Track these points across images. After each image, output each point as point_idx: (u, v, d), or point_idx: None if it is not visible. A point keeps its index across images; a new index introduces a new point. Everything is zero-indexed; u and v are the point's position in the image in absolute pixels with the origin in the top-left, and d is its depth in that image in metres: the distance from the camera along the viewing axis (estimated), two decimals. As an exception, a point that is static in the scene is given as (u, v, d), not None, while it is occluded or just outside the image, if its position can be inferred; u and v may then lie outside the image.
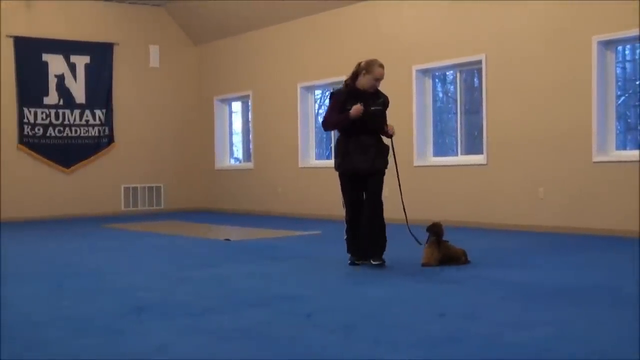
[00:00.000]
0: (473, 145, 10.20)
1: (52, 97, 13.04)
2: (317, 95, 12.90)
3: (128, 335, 3.75)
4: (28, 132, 12.82)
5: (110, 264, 6.82)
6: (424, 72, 10.43)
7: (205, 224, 11.38)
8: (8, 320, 4.16)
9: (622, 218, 8.02)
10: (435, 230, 6.02)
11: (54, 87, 13.06)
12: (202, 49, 14.72)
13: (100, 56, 13.52)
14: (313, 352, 3.39)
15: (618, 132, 8.74)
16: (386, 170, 6.06)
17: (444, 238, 6.03)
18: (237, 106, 14.66)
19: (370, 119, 5.92)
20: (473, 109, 10.28)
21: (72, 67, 13.23)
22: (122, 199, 13.85)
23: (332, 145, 6.71)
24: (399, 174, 6.19)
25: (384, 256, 5.95)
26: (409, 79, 10.40)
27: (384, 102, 6.06)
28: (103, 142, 13.58)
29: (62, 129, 13.12)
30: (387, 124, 6.03)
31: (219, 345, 3.56)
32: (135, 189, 13.99)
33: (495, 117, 9.39)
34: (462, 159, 10.11)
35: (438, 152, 10.67)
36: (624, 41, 8.40)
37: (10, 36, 12.66)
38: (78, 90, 13.29)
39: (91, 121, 13.42)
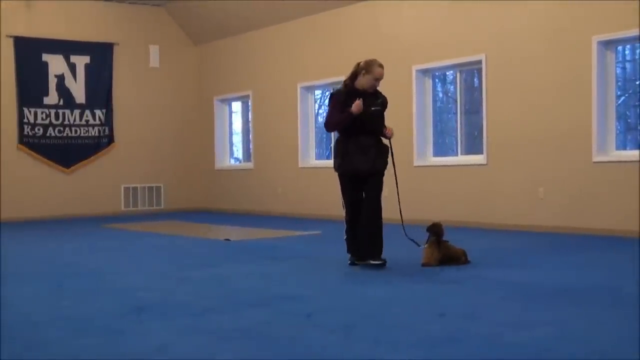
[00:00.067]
0: (473, 145, 10.20)
1: (52, 97, 13.04)
2: (317, 95, 12.90)
3: (128, 335, 3.75)
4: (28, 132, 12.82)
5: (110, 264, 6.82)
6: (424, 72, 10.43)
7: (205, 224, 11.38)
8: (8, 320, 4.16)
9: (622, 218, 8.02)
10: (435, 230, 6.02)
11: (54, 87, 13.06)
12: (202, 49, 14.72)
13: (100, 56, 13.52)
14: (313, 352, 3.39)
15: (618, 132, 8.74)
16: (385, 171, 6.06)
17: (444, 238, 6.03)
18: (237, 106, 14.66)
19: (369, 119, 5.91)
20: (473, 109, 10.28)
21: (72, 67, 13.24)
22: (122, 199, 13.85)
23: (332, 145, 6.69)
24: (397, 175, 6.19)
25: (382, 256, 5.93)
26: (409, 79, 10.40)
27: (383, 103, 6.05)
28: (103, 142, 13.58)
29: (62, 129, 13.12)
30: (385, 126, 6.02)
31: (219, 345, 3.56)
32: (135, 189, 14.00)
33: (495, 117, 9.39)
34: (462, 159, 10.11)
35: (438, 152, 10.67)
36: (624, 41, 8.40)
37: (10, 36, 12.67)
38: (78, 90, 13.30)
39: (91, 121, 13.42)
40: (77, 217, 13.06)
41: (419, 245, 6.07)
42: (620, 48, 8.79)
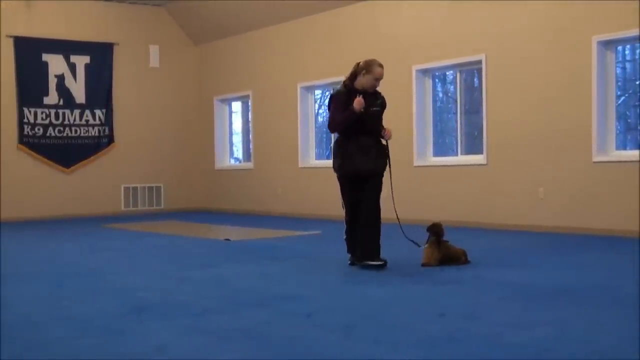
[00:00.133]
0: (473, 145, 10.20)
1: (52, 97, 13.05)
2: (317, 95, 12.90)
3: (128, 335, 3.75)
4: (28, 132, 12.82)
5: (110, 264, 6.82)
6: (424, 72, 10.44)
7: (205, 224, 11.38)
8: (8, 320, 4.16)
9: (622, 218, 8.02)
10: (435, 231, 6.02)
11: (54, 87, 13.07)
12: (202, 49, 14.72)
13: (100, 56, 13.52)
14: (313, 352, 3.39)
15: (618, 132, 8.74)
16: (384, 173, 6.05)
17: (444, 238, 6.03)
18: (237, 106, 14.66)
19: (369, 119, 5.91)
20: (473, 109, 10.28)
21: (72, 67, 13.24)
22: (122, 199, 13.85)
23: (332, 145, 6.69)
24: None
25: (381, 257, 5.92)
26: (409, 79, 10.40)
27: (382, 104, 6.05)
28: (103, 142, 13.58)
29: (62, 129, 13.12)
30: (384, 127, 6.01)
31: (219, 345, 3.56)
32: (135, 189, 14.00)
33: (495, 117, 9.39)
34: (462, 159, 10.11)
35: (438, 152, 10.67)
36: (624, 41, 8.40)
37: (10, 36, 12.67)
38: (78, 90, 13.30)
39: (91, 121, 13.42)
40: (77, 217, 13.06)
41: (419, 246, 6.07)
42: (620, 48, 8.79)
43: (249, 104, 13.81)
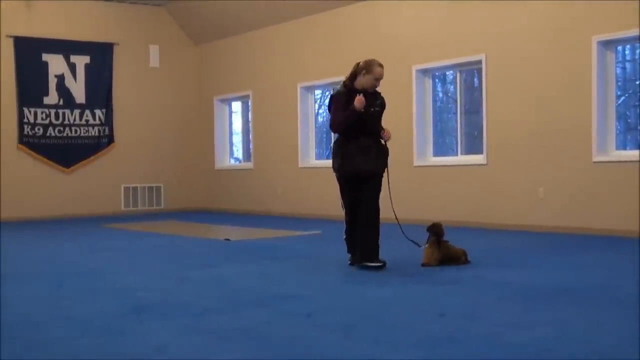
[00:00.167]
0: (473, 145, 10.20)
1: (52, 97, 13.05)
2: (317, 95, 12.90)
3: (128, 335, 3.75)
4: (28, 132, 12.83)
5: (110, 264, 6.82)
6: (424, 72, 10.44)
7: (205, 224, 11.38)
8: (8, 320, 4.16)
9: (622, 218, 8.02)
10: (435, 231, 6.02)
11: (54, 87, 13.07)
12: (202, 49, 14.72)
13: (100, 56, 13.53)
14: (313, 352, 3.39)
15: (618, 132, 8.74)
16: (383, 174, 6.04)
17: (444, 238, 6.03)
18: (237, 106, 14.66)
19: (369, 120, 5.91)
20: (473, 109, 10.28)
21: (72, 67, 13.24)
22: (122, 199, 13.85)
23: (332, 145, 6.68)
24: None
25: (380, 258, 5.91)
26: (409, 79, 10.40)
27: (382, 104, 6.04)
28: (103, 142, 13.58)
29: (62, 129, 13.12)
30: (383, 128, 6.00)
31: (219, 345, 3.56)
32: (135, 189, 14.00)
33: (495, 117, 9.39)
34: (462, 159, 10.11)
35: (438, 152, 10.67)
36: (624, 41, 8.40)
37: (10, 36, 12.67)
38: (78, 90, 13.30)
39: (91, 121, 13.42)
40: (77, 217, 13.06)
41: (419, 246, 6.07)
42: (620, 48, 8.79)
43: (249, 104, 13.81)
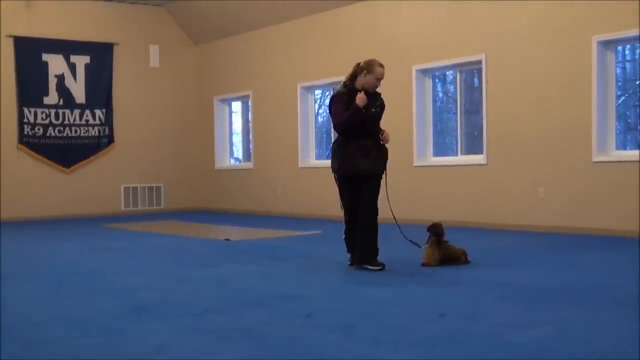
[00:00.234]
0: (473, 145, 10.20)
1: (52, 97, 13.05)
2: (317, 95, 12.90)
3: (128, 335, 3.75)
4: (28, 132, 12.83)
5: (110, 264, 6.82)
6: (424, 72, 10.43)
7: (205, 224, 11.38)
8: (8, 320, 4.17)
9: (622, 218, 8.02)
10: (435, 231, 6.02)
11: (54, 87, 13.07)
12: (202, 49, 14.72)
13: (100, 56, 13.52)
14: (313, 352, 3.39)
15: (618, 132, 8.74)
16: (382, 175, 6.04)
17: (444, 238, 6.03)
18: (237, 106, 14.66)
19: (369, 120, 5.91)
20: (473, 109, 10.28)
21: (72, 67, 13.24)
22: (122, 199, 13.85)
23: (331, 146, 6.66)
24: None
25: (379, 260, 5.91)
26: (409, 79, 10.40)
27: (382, 105, 6.04)
28: (103, 142, 13.58)
29: (62, 129, 13.12)
30: (382, 131, 5.99)
31: (219, 345, 3.56)
32: (135, 189, 14.00)
33: (495, 117, 9.39)
34: (462, 159, 10.11)
35: (438, 152, 10.67)
36: (624, 41, 8.40)
37: (10, 36, 12.67)
38: (78, 90, 13.30)
39: (91, 121, 13.42)
40: (77, 217, 13.06)
41: (420, 247, 6.07)
42: (620, 48, 8.78)
43: (249, 104, 13.81)
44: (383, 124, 6.08)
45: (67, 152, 13.15)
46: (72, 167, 13.25)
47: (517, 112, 9.11)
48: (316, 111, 12.79)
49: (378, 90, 6.04)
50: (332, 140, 6.31)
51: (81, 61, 13.33)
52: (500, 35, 9.28)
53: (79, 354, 3.41)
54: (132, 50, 13.92)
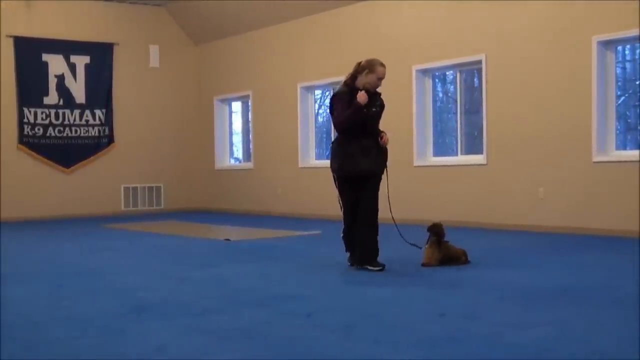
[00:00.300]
0: (473, 145, 10.20)
1: (52, 97, 13.05)
2: (317, 95, 12.90)
3: (128, 335, 3.75)
4: (28, 132, 12.82)
5: (110, 264, 6.82)
6: (424, 72, 10.44)
7: (205, 224, 11.38)
8: (8, 320, 4.16)
9: (622, 218, 8.02)
10: (435, 231, 6.02)
11: (54, 87, 13.07)
12: (202, 49, 14.72)
13: (100, 56, 13.52)
14: (313, 352, 3.39)
15: (618, 132, 8.74)
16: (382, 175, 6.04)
17: (445, 238, 6.03)
18: (237, 106, 14.66)
19: (369, 120, 5.91)
20: (473, 109, 10.28)
21: (72, 67, 13.24)
22: (122, 199, 13.85)
23: (331, 145, 6.65)
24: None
25: (379, 260, 5.90)
26: (409, 79, 10.40)
27: (381, 105, 6.04)
28: (103, 142, 13.58)
29: (62, 129, 13.12)
30: (382, 132, 5.98)
31: (219, 345, 3.56)
32: (135, 189, 14.00)
33: (495, 117, 9.39)
34: (462, 159, 10.11)
35: (438, 152, 10.67)
36: (624, 41, 8.40)
37: (10, 36, 12.67)
38: (78, 90, 13.30)
39: (91, 121, 13.42)
40: (77, 217, 13.06)
41: (420, 248, 6.07)
42: (620, 48, 8.78)
43: (249, 104, 13.81)
44: (383, 124, 6.08)
45: (67, 152, 13.15)
46: (72, 167, 13.25)
47: (517, 112, 9.12)
48: (316, 111, 12.79)
49: (378, 90, 6.04)
50: (332, 140, 6.31)
51: (81, 61, 13.33)
52: (500, 35, 9.28)
53: (79, 354, 3.41)
54: (132, 50, 13.92)
